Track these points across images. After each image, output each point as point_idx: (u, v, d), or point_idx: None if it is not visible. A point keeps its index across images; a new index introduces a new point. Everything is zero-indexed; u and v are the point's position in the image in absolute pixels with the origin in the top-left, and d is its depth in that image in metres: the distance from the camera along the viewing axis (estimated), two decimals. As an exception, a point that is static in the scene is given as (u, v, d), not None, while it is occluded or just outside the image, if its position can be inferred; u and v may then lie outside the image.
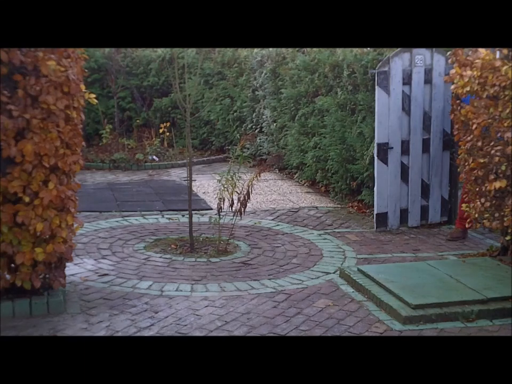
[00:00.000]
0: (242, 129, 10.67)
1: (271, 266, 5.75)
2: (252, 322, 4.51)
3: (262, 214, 7.54)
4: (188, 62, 10.63)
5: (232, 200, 6.10)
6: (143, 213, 7.44)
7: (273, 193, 8.63)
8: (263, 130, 10.18)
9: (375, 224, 6.91)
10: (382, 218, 6.89)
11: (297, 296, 5.02)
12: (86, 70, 4.92)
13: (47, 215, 4.35)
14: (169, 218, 7.23)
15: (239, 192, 6.07)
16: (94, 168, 10.12)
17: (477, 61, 5.45)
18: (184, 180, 9.19)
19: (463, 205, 6.03)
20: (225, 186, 6.05)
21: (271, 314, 4.66)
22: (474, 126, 5.45)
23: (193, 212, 6.30)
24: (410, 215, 7.02)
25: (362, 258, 5.98)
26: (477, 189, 5.72)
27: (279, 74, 9.59)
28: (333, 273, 5.58)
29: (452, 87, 5.81)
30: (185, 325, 4.43)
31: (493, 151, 5.34)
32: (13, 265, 4.45)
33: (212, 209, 7.57)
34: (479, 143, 5.50)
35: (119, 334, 4.26)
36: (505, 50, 5.44)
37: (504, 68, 5.17)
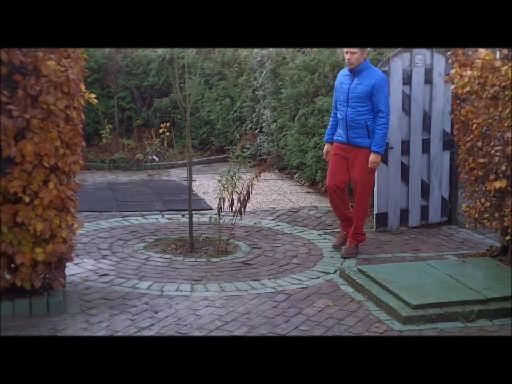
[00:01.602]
0: (242, 129, 10.67)
1: (271, 266, 5.75)
2: (252, 322, 4.51)
3: (262, 214, 7.53)
4: (188, 62, 10.64)
5: (232, 200, 6.10)
6: (143, 213, 7.44)
7: (273, 193, 8.63)
8: (263, 130, 10.18)
9: (375, 224, 6.91)
10: (382, 218, 6.89)
11: (297, 296, 5.02)
12: (86, 70, 4.92)
13: (47, 215, 4.35)
14: (169, 218, 7.23)
15: (239, 192, 6.07)
16: (94, 168, 10.12)
17: (477, 61, 5.45)
18: (184, 180, 9.19)
19: (463, 205, 6.03)
20: (225, 186, 6.05)
21: (271, 314, 4.66)
22: (474, 126, 5.45)
23: (193, 212, 6.30)
24: (410, 215, 7.02)
25: (362, 258, 5.98)
26: (477, 189, 5.73)
27: (279, 74, 9.59)
28: (333, 273, 5.58)
29: (452, 87, 5.81)
30: (185, 325, 4.43)
31: (493, 151, 5.34)
32: (13, 265, 4.46)
33: (212, 209, 7.57)
34: (479, 143, 5.50)
35: (119, 334, 4.27)
36: (505, 50, 5.44)
37: (504, 68, 5.17)
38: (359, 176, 5.92)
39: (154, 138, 11.00)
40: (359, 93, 5.78)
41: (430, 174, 7.05)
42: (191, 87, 8.36)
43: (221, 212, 6.13)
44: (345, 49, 5.80)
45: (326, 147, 6.22)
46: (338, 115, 6.01)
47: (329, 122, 6.20)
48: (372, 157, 5.84)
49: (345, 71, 6.01)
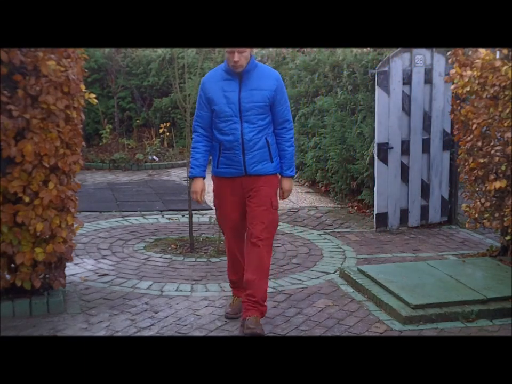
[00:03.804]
0: (242, 129, 10.66)
1: (271, 266, 5.71)
2: (252, 322, 4.50)
3: (262, 214, 7.53)
4: (188, 62, 10.64)
5: (232, 200, 6.07)
6: (143, 213, 7.44)
7: (273, 193, 8.63)
8: (263, 130, 10.17)
9: (375, 224, 6.91)
10: (382, 218, 6.89)
11: (297, 296, 5.02)
12: (86, 70, 4.92)
13: (47, 215, 4.35)
14: (169, 218, 7.23)
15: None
16: (94, 168, 10.13)
17: (477, 61, 5.46)
18: (184, 180, 9.19)
19: (463, 205, 6.02)
20: (225, 186, 6.03)
21: (271, 314, 4.65)
22: (474, 126, 5.45)
23: (193, 212, 6.30)
24: (410, 215, 7.03)
25: (362, 258, 5.98)
26: (477, 189, 5.73)
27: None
28: (333, 273, 5.58)
29: (452, 87, 5.81)
30: (185, 325, 4.43)
31: (493, 151, 5.34)
32: (13, 265, 4.46)
33: (212, 209, 7.56)
34: (479, 143, 5.50)
35: (119, 334, 4.27)
36: (505, 50, 5.44)
37: (504, 68, 5.17)
38: (264, 215, 4.29)
39: (154, 138, 11.01)
40: (258, 101, 4.20)
41: (430, 174, 7.05)
42: (191, 87, 8.35)
43: (221, 211, 6.11)
44: (227, 49, 4.21)
45: (199, 184, 4.37)
46: (221, 137, 4.25)
47: (196, 150, 4.36)
48: (287, 184, 4.40)
49: (219, 73, 4.33)
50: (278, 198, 4.42)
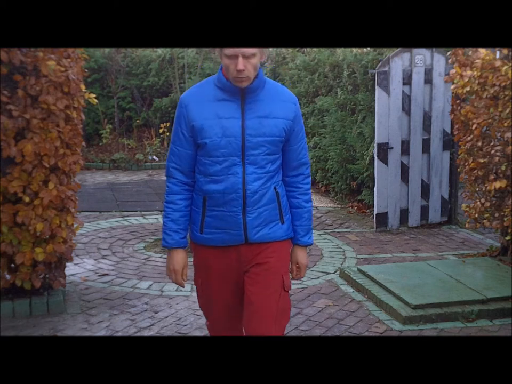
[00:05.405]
0: (242, 129, 10.66)
1: (271, 266, 5.74)
2: (252, 322, 4.51)
3: (262, 214, 7.53)
4: (188, 62, 10.65)
5: (232, 200, 6.01)
6: (143, 213, 7.44)
7: (273, 193, 8.62)
8: (263, 130, 10.17)
9: (375, 224, 6.91)
10: (382, 218, 6.89)
11: (297, 296, 5.02)
12: (86, 70, 4.92)
13: (47, 215, 4.35)
14: (169, 218, 7.23)
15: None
16: (94, 168, 10.14)
17: (477, 61, 5.46)
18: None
19: (463, 205, 6.02)
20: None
21: (271, 314, 4.65)
22: (474, 126, 5.46)
23: (193, 211, 6.29)
24: (410, 215, 7.03)
25: (362, 258, 5.98)
26: (477, 189, 5.73)
27: (279, 74, 9.60)
28: (333, 273, 5.58)
29: (452, 87, 5.81)
30: (185, 325, 4.43)
31: (493, 151, 5.34)
32: (13, 265, 4.46)
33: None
34: (479, 143, 5.50)
35: (119, 334, 4.27)
36: (505, 50, 5.44)
37: (504, 67, 5.18)
38: (272, 303, 3.07)
39: (154, 138, 11.01)
40: (272, 135, 2.85)
41: (430, 174, 7.05)
42: (191, 87, 8.37)
43: (221, 211, 6.06)
44: (228, 50, 3.13)
45: (179, 259, 2.95)
46: (208, 187, 2.87)
47: (172, 206, 2.95)
48: (304, 256, 3.06)
49: (209, 90, 3.07)
50: (290, 276, 3.09)
